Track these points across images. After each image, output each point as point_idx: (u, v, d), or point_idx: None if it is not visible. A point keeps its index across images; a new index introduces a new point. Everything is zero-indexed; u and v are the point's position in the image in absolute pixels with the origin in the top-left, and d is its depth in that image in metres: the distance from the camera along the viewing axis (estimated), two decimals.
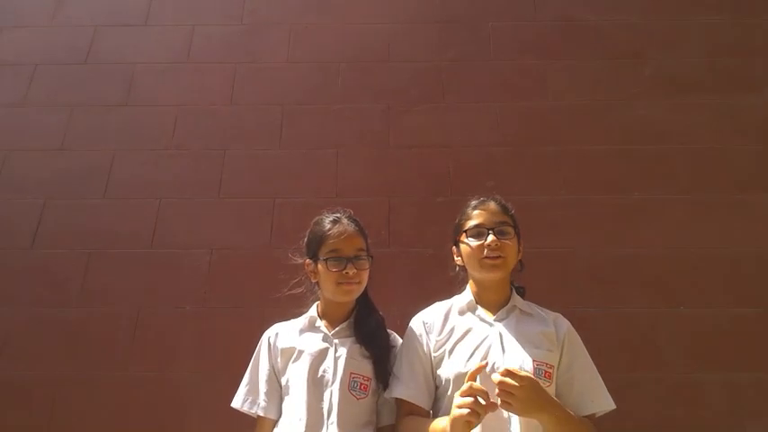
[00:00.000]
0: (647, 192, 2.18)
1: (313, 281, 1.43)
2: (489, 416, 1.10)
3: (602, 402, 1.28)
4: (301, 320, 1.44)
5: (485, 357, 1.26)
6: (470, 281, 1.44)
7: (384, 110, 2.38)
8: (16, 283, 2.10)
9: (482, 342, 1.30)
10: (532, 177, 2.22)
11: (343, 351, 1.34)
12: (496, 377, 1.10)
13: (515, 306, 1.38)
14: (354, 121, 2.36)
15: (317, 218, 1.45)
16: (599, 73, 2.42)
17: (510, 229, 1.36)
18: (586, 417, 1.26)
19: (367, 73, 2.46)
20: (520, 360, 1.25)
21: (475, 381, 1.11)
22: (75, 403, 1.92)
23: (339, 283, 1.34)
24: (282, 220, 2.17)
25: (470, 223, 1.37)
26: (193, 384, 1.93)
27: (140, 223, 2.18)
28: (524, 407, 1.09)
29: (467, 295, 1.42)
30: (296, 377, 1.31)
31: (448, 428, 1.11)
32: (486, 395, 1.09)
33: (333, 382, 1.29)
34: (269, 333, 1.43)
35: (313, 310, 1.45)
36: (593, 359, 1.34)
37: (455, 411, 1.08)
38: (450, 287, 1.50)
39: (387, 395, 1.33)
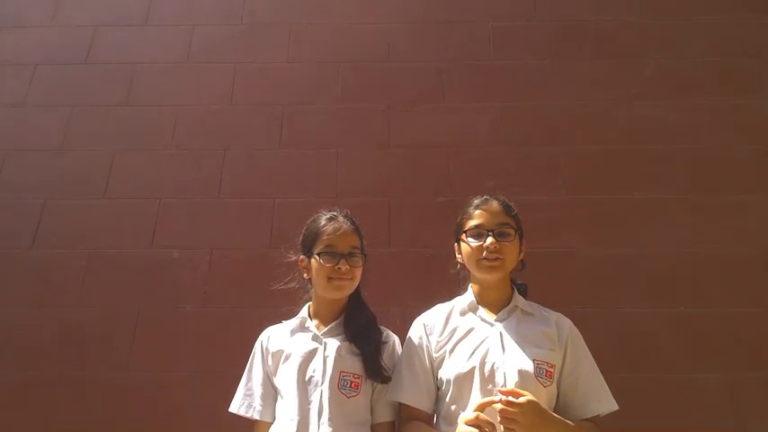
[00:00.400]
0: (648, 192, 2.18)
1: (306, 277, 1.43)
2: None
3: (607, 403, 1.28)
4: (293, 322, 1.44)
5: (484, 357, 1.26)
6: (471, 280, 1.44)
7: (384, 110, 2.38)
8: (16, 283, 2.10)
9: (482, 342, 1.30)
10: (532, 177, 2.22)
11: (332, 350, 1.34)
12: (498, 406, 1.11)
13: (517, 306, 1.38)
14: (354, 121, 2.36)
15: (313, 216, 1.46)
16: (599, 73, 2.42)
17: (510, 231, 1.35)
18: (591, 418, 1.26)
19: (367, 73, 2.46)
20: (520, 360, 1.25)
21: (483, 411, 1.12)
22: (75, 403, 1.92)
23: (331, 279, 1.35)
24: (282, 220, 2.17)
25: (471, 223, 1.37)
26: (193, 384, 1.93)
27: (140, 223, 2.18)
28: (528, 431, 1.10)
29: (468, 296, 1.42)
30: (286, 379, 1.32)
31: None
32: (492, 427, 1.10)
33: (322, 382, 1.29)
34: (262, 337, 1.44)
35: (304, 311, 1.45)
36: (593, 359, 1.34)
37: None
38: (450, 287, 1.51)
39: (389, 398, 1.33)
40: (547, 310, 1.41)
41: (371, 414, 1.34)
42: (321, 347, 1.34)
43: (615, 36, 2.49)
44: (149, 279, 2.09)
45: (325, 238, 1.37)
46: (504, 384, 1.21)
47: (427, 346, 1.36)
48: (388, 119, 2.36)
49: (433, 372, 1.34)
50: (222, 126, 2.37)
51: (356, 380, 1.31)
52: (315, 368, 1.31)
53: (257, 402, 1.35)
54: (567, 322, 1.37)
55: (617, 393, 1.30)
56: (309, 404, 1.27)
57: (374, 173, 2.25)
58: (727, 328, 1.95)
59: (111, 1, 2.68)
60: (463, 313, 1.39)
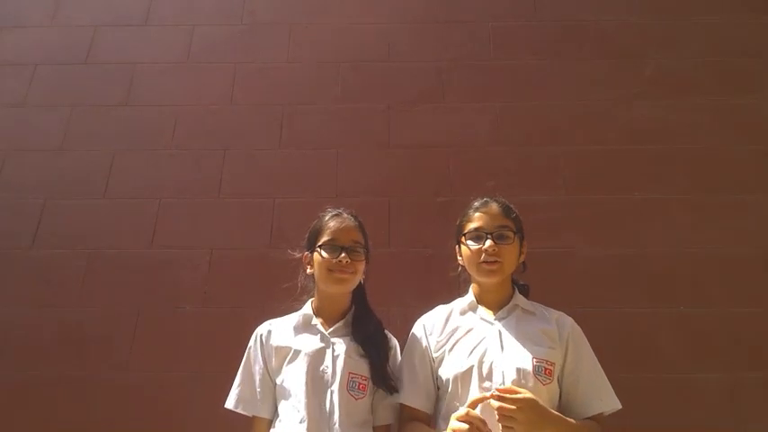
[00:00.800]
0: (648, 192, 2.18)
1: (309, 272, 1.42)
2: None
3: (609, 401, 1.28)
4: (295, 318, 1.43)
5: (483, 356, 1.26)
6: (472, 281, 1.44)
7: (384, 110, 2.38)
8: (16, 283, 2.10)
9: (481, 341, 1.30)
10: (532, 177, 2.22)
11: (340, 350, 1.33)
12: (495, 403, 1.11)
13: (517, 305, 1.38)
14: (354, 121, 2.36)
15: (319, 214, 1.46)
16: (599, 73, 2.42)
17: (510, 234, 1.35)
18: (594, 416, 1.26)
19: (367, 73, 2.46)
20: (519, 358, 1.25)
21: (475, 408, 1.11)
22: (75, 403, 1.92)
23: (331, 271, 1.34)
24: (282, 220, 2.17)
25: (470, 226, 1.37)
26: (193, 384, 1.93)
27: (140, 223, 2.18)
28: (527, 429, 1.10)
29: (468, 296, 1.42)
30: (294, 378, 1.30)
31: None
32: (483, 423, 1.10)
33: (332, 383, 1.28)
34: (260, 330, 1.41)
35: (307, 308, 1.44)
36: None
37: None
38: (450, 287, 1.51)
39: (389, 399, 1.33)
40: (548, 309, 1.41)
41: (374, 416, 1.34)
42: (329, 348, 1.34)
43: (615, 36, 2.49)
44: (149, 279, 2.09)
45: (328, 231, 1.38)
46: (503, 383, 1.21)
47: (427, 346, 1.36)
48: (388, 119, 2.36)
49: (432, 372, 1.34)
50: (222, 126, 2.37)
51: (364, 381, 1.31)
52: (324, 368, 1.30)
53: (256, 399, 1.33)
54: (569, 321, 1.37)
55: (617, 393, 1.30)
56: (319, 405, 1.26)
57: (374, 173, 2.25)
58: (727, 328, 1.95)
59: (111, 1, 2.68)
60: (463, 313, 1.39)
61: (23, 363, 1.98)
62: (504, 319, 1.35)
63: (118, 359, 1.97)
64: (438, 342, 1.35)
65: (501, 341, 1.29)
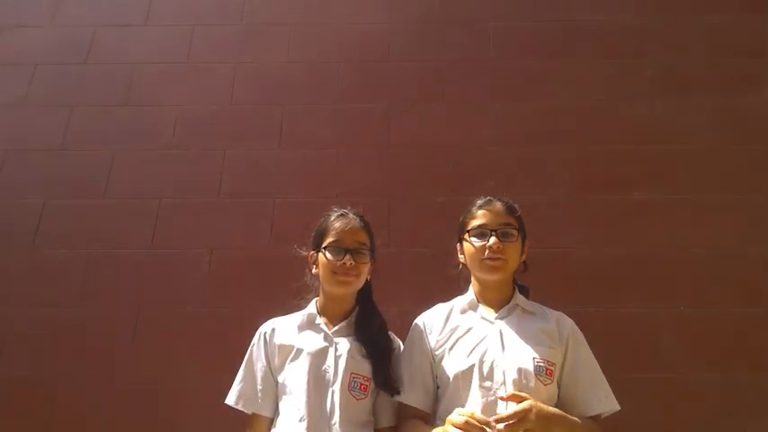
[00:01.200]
0: (647, 192, 2.18)
1: (314, 272, 1.42)
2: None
3: (608, 403, 1.28)
4: (299, 316, 1.42)
5: (484, 355, 1.26)
6: (473, 280, 1.44)
7: (384, 110, 2.38)
8: (16, 283, 2.10)
9: (482, 340, 1.30)
10: (532, 177, 2.22)
11: (343, 350, 1.33)
12: (500, 426, 1.10)
13: (517, 305, 1.38)
14: (354, 121, 2.36)
15: (325, 214, 1.46)
16: (599, 73, 2.42)
17: (513, 231, 1.35)
18: (592, 417, 1.26)
19: (367, 73, 2.46)
20: (520, 358, 1.25)
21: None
22: (75, 403, 1.92)
23: (335, 273, 1.34)
24: (282, 220, 2.17)
25: (474, 223, 1.37)
26: (193, 384, 1.93)
27: (140, 223, 2.18)
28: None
29: (469, 294, 1.42)
30: (295, 377, 1.30)
31: None
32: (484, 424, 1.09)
33: (334, 382, 1.28)
34: (264, 328, 1.41)
35: (311, 307, 1.44)
36: None
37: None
38: (450, 287, 1.50)
39: (391, 400, 1.33)
40: (547, 309, 1.41)
41: (376, 417, 1.33)
42: (332, 347, 1.33)
43: (615, 36, 2.49)
44: (149, 279, 2.09)
45: (332, 232, 1.37)
46: (504, 382, 1.21)
47: (427, 344, 1.36)
48: (388, 119, 2.36)
49: (432, 371, 1.34)
50: (222, 126, 2.37)
51: (365, 382, 1.30)
52: (326, 368, 1.30)
53: (257, 396, 1.33)
54: (569, 321, 1.37)
55: (617, 393, 1.30)
56: (320, 404, 1.26)
57: (374, 173, 2.25)
58: (727, 328, 1.95)
59: (111, 1, 2.68)
60: (463, 311, 1.39)
61: (23, 363, 1.98)
62: (504, 318, 1.34)
63: (118, 359, 1.97)
64: (438, 341, 1.35)
65: (502, 340, 1.29)
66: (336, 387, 1.27)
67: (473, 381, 1.24)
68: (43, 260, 2.13)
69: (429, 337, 1.37)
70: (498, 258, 1.31)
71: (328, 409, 1.25)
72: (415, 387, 1.32)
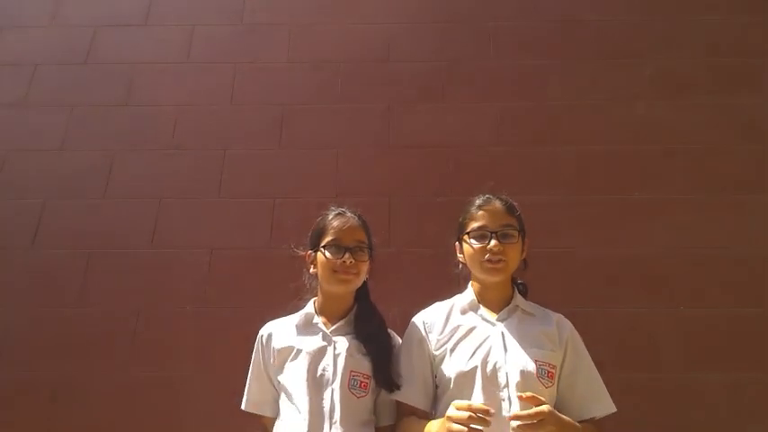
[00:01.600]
0: (647, 192, 2.18)
1: (312, 272, 1.42)
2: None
3: (604, 406, 1.28)
4: (297, 317, 1.43)
5: (486, 357, 1.26)
6: (472, 279, 1.43)
7: (384, 110, 2.38)
8: (16, 283, 2.10)
9: (484, 341, 1.29)
10: (532, 177, 2.22)
11: (342, 349, 1.33)
12: (515, 423, 1.08)
13: (518, 306, 1.37)
14: (354, 121, 2.36)
15: (323, 213, 1.46)
16: (599, 73, 2.41)
17: (514, 232, 1.34)
18: (588, 419, 1.26)
19: (367, 73, 2.46)
20: (522, 360, 1.24)
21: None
22: (75, 403, 1.92)
23: (335, 272, 1.34)
24: (282, 220, 2.17)
25: (474, 224, 1.36)
26: (193, 384, 1.93)
27: (140, 223, 2.18)
28: None
29: (468, 294, 1.41)
30: (295, 376, 1.31)
31: None
32: (484, 412, 1.08)
33: (333, 381, 1.28)
34: (262, 332, 1.43)
35: (309, 307, 1.44)
36: (592, 359, 1.34)
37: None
38: (450, 287, 1.50)
39: (385, 396, 1.32)
40: (546, 310, 1.40)
41: (378, 416, 1.33)
42: (331, 346, 1.33)
43: (615, 36, 2.49)
44: (149, 279, 2.09)
45: (331, 231, 1.37)
46: (507, 384, 1.21)
47: (426, 344, 1.35)
48: (388, 119, 2.36)
49: (432, 370, 1.33)
50: (222, 126, 2.37)
51: (365, 380, 1.30)
52: (325, 367, 1.30)
53: (262, 399, 1.37)
54: (568, 323, 1.37)
55: (617, 393, 1.30)
56: (320, 403, 1.26)
57: (374, 173, 2.25)
58: (727, 328, 1.95)
59: (112, 1, 2.67)
60: (464, 312, 1.38)
61: (23, 363, 1.98)
62: (505, 319, 1.34)
63: (118, 359, 1.97)
64: (439, 340, 1.34)
65: (504, 343, 1.28)
66: (336, 386, 1.27)
67: (476, 383, 1.23)
68: (43, 260, 2.13)
69: (429, 336, 1.36)
70: (499, 260, 1.31)
71: (328, 407, 1.25)
72: (414, 386, 1.31)
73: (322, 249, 1.37)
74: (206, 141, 2.34)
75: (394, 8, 2.60)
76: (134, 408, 1.90)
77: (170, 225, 2.18)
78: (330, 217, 1.41)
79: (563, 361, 1.30)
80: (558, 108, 2.35)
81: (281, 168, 2.28)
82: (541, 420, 1.07)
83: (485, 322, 1.34)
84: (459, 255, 1.44)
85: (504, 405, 1.19)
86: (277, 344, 1.38)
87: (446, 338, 1.34)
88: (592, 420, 1.27)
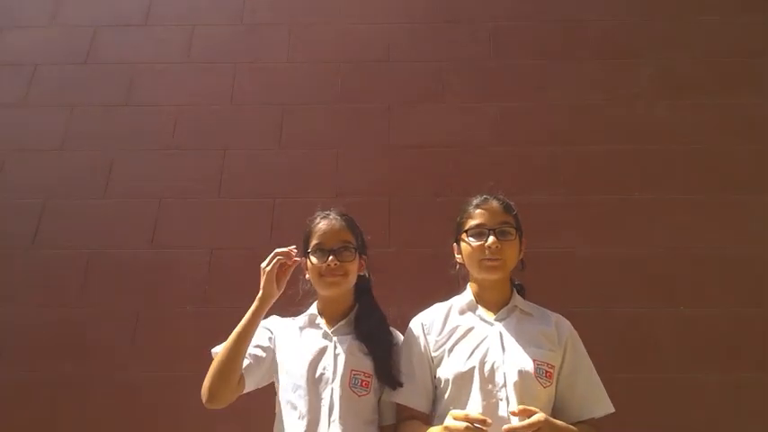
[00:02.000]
0: (647, 192, 2.18)
1: (307, 278, 1.43)
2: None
3: (603, 406, 1.28)
4: (301, 318, 1.44)
5: (484, 357, 1.26)
6: (471, 279, 1.43)
7: (384, 110, 2.38)
8: (16, 283, 2.10)
9: (482, 342, 1.29)
10: (532, 177, 2.22)
11: (342, 348, 1.33)
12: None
13: (516, 306, 1.37)
14: (354, 121, 2.36)
15: (310, 217, 1.46)
16: (599, 73, 2.42)
17: (511, 230, 1.35)
18: (586, 420, 1.26)
19: (367, 73, 2.46)
20: (520, 360, 1.24)
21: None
22: (75, 403, 1.92)
23: (322, 275, 1.35)
24: (282, 220, 2.17)
25: (471, 222, 1.36)
26: (193, 384, 1.92)
27: (140, 223, 2.18)
28: None
29: (467, 295, 1.41)
30: (295, 375, 1.31)
31: None
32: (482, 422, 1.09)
33: (333, 380, 1.28)
34: (271, 324, 1.44)
35: (313, 308, 1.45)
36: (592, 359, 1.34)
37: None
38: (450, 287, 1.50)
39: (385, 398, 1.32)
40: (545, 310, 1.40)
41: (381, 415, 1.33)
42: (331, 345, 1.34)
43: (615, 36, 2.49)
44: (149, 279, 2.09)
45: (315, 236, 1.38)
46: (505, 384, 1.21)
47: (425, 345, 1.35)
48: (388, 119, 2.36)
49: (431, 371, 1.33)
50: (222, 126, 2.37)
51: (367, 379, 1.30)
52: (325, 365, 1.30)
53: (249, 359, 1.33)
54: (567, 323, 1.37)
55: (616, 393, 1.30)
56: (320, 402, 1.26)
57: (374, 173, 2.25)
58: (727, 328, 1.95)
59: (112, 1, 2.68)
60: (462, 312, 1.38)
61: (23, 363, 1.98)
62: (503, 319, 1.34)
63: (118, 359, 1.97)
64: (437, 341, 1.34)
65: (502, 342, 1.28)
66: (336, 384, 1.27)
67: (474, 383, 1.23)
68: (43, 260, 2.13)
69: (428, 337, 1.36)
70: (498, 258, 1.31)
71: (328, 406, 1.25)
72: (414, 388, 1.31)
73: (308, 255, 1.38)
74: (206, 141, 2.34)
75: (394, 8, 2.60)
76: (134, 408, 1.91)
77: (170, 225, 2.19)
78: (316, 221, 1.41)
79: (562, 361, 1.30)
80: (558, 108, 2.35)
81: (281, 168, 2.28)
82: (537, 431, 1.08)
83: (483, 322, 1.34)
84: (456, 255, 1.44)
85: (502, 405, 1.19)
86: (280, 339, 1.39)
87: (444, 339, 1.34)
88: (590, 421, 1.27)
